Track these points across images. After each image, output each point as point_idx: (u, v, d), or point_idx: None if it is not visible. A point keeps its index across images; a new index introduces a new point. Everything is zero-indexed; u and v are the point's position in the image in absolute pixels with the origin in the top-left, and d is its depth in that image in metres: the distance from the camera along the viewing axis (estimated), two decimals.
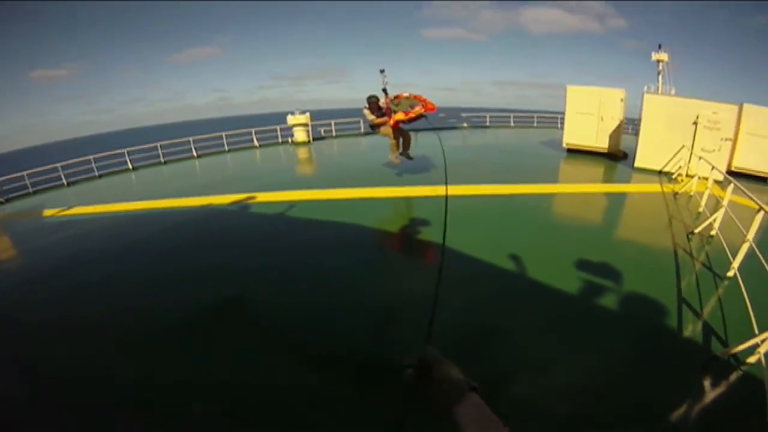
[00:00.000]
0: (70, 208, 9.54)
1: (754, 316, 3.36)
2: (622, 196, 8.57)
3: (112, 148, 15.00)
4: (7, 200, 12.02)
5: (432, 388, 0.69)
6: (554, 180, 9.95)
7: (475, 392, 0.66)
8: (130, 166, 14.63)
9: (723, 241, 4.92)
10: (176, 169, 14.27)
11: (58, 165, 12.98)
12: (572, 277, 4.59)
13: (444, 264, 1.35)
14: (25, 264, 6.62)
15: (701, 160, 7.37)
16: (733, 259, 4.43)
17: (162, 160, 15.18)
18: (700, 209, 6.64)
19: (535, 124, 22.02)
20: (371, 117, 7.67)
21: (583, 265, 4.87)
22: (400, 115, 7.45)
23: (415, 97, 7.72)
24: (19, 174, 12.42)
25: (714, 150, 9.16)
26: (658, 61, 14.43)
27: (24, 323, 4.46)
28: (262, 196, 8.51)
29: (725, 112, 9.17)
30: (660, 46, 13.99)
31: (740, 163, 9.62)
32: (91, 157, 13.85)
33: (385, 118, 7.62)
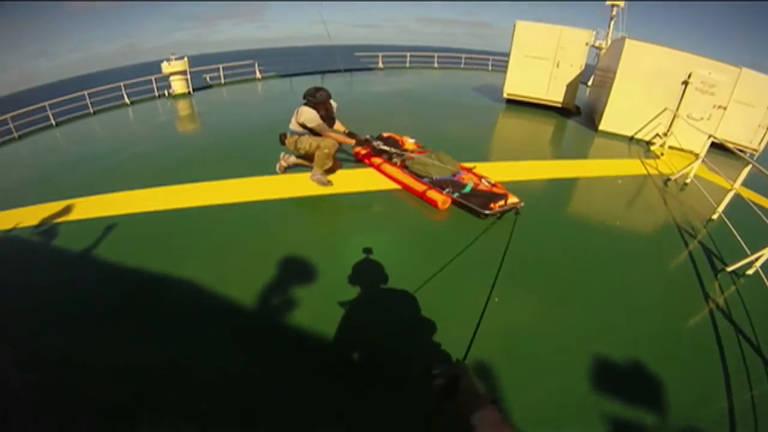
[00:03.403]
0: None
1: None
2: (600, 182, 6.04)
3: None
4: None
5: (457, 398, 0.81)
6: (504, 155, 6.93)
7: (495, 405, 0.78)
8: None
9: None
10: (28, 147, 9.26)
11: None
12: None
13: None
14: None
15: (681, 128, 6.02)
16: None
17: (15, 135, 9.99)
18: (714, 215, 4.73)
19: (462, 65, 19.56)
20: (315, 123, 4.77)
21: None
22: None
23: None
24: None
25: (702, 118, 7.37)
26: (613, 6, 13.20)
27: None
28: (96, 206, 4.84)
29: (724, 74, 7.25)
30: None
31: (721, 135, 7.88)
32: None
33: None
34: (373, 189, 5.05)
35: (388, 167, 5.27)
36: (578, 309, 3.12)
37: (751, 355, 2.74)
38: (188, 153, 6.76)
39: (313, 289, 3.21)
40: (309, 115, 4.70)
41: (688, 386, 2.47)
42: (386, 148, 5.42)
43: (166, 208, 4.58)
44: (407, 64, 18.94)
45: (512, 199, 4.40)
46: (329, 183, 5.06)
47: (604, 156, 7.13)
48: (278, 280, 3.30)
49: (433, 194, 4.56)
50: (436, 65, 19.27)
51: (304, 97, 4.79)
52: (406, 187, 4.95)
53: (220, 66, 14.62)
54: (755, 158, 8.06)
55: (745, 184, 4.54)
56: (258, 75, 15.16)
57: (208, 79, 14.56)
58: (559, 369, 2.54)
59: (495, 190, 4.60)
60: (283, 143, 5.03)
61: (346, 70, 15.81)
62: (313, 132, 4.82)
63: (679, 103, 7.51)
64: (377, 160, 5.44)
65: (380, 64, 17.70)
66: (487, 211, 4.19)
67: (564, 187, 5.75)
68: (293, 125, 4.86)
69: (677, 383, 2.44)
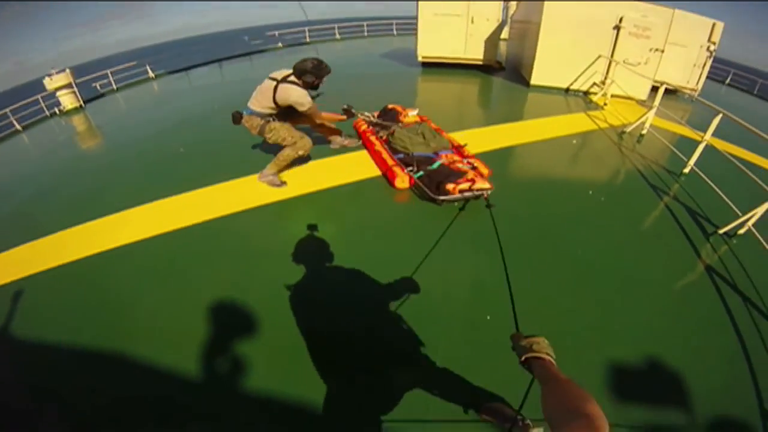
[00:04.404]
0: None
1: None
2: (556, 144, 5.23)
3: None
4: None
5: (516, 350, 1.06)
6: (439, 125, 5.46)
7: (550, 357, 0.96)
8: None
9: None
10: None
11: None
12: None
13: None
14: None
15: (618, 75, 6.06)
16: None
17: None
18: (686, 169, 4.33)
19: (365, 34, 18.22)
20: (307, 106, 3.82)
21: None
22: None
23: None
24: None
25: (639, 63, 6.92)
26: None
27: None
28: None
29: (658, 16, 6.81)
30: None
31: (660, 78, 7.57)
32: None
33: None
34: (344, 182, 4.16)
35: (374, 140, 4.66)
36: (572, 289, 2.75)
37: (762, 320, 2.55)
38: (96, 178, 5.02)
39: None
40: (300, 97, 3.70)
41: (701, 355, 2.30)
42: (377, 120, 5.01)
43: (81, 257, 3.27)
44: (307, 39, 17.17)
45: (481, 184, 3.53)
46: (283, 184, 4.16)
47: (546, 113, 6.32)
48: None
49: (395, 170, 3.92)
50: (338, 36, 17.70)
51: (298, 73, 3.70)
52: (378, 164, 4.33)
53: (108, 71, 12.48)
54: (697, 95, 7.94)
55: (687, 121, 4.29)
56: (150, 74, 13.19)
57: (98, 87, 12.52)
58: (567, 350, 1.96)
59: (464, 169, 3.79)
60: (237, 123, 3.96)
61: (243, 55, 14.66)
62: (288, 116, 3.91)
63: (613, 49, 7.01)
64: (369, 133, 4.87)
65: (279, 44, 16.03)
66: (442, 197, 3.52)
67: (519, 154, 4.94)
68: (261, 107, 3.79)
69: (691, 353, 2.30)
